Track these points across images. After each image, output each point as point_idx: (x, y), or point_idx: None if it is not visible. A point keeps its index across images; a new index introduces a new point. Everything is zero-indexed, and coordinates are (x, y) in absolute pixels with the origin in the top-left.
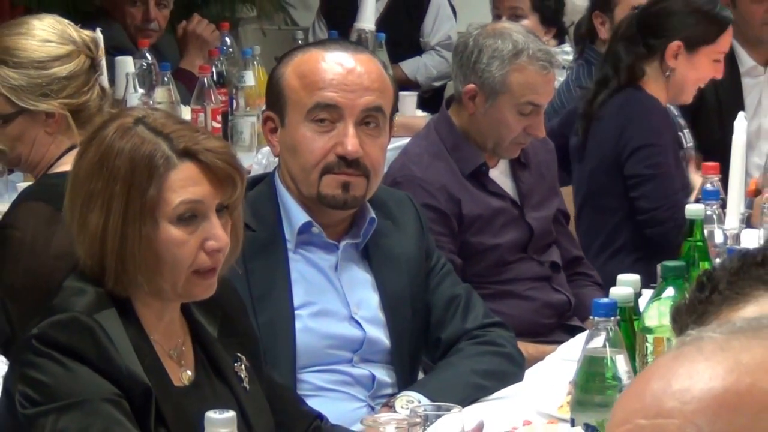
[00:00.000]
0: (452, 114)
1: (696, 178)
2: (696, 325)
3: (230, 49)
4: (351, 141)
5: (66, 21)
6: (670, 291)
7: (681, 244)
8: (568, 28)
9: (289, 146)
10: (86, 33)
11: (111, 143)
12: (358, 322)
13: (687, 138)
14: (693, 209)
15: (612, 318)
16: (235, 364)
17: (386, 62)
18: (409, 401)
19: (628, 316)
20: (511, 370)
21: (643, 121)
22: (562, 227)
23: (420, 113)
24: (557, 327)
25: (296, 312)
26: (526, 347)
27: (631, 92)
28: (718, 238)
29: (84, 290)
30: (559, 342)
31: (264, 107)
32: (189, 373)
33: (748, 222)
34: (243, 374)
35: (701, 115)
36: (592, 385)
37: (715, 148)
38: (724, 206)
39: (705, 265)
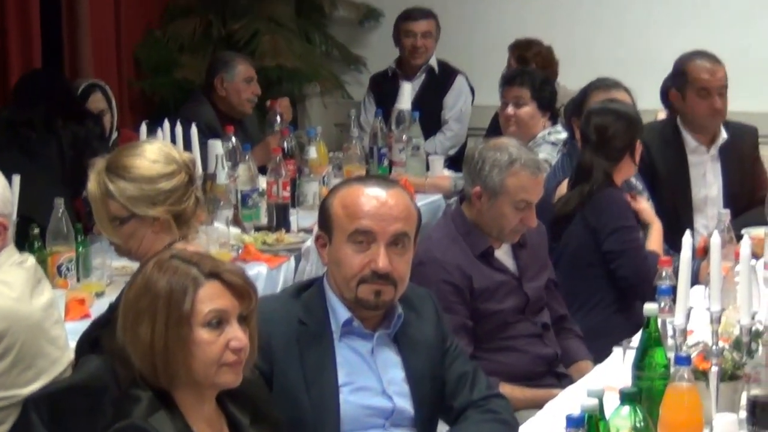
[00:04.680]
0: (464, 208)
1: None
2: None
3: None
4: (382, 260)
5: (171, 144)
6: (625, 410)
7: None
8: (558, 110)
9: (334, 260)
10: (186, 155)
11: (151, 275)
12: (389, 396)
13: (638, 183)
14: (648, 308)
15: (581, 428)
16: None
17: (420, 137)
18: None
19: (595, 420)
20: None
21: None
22: (551, 292)
23: (447, 172)
24: (547, 373)
25: (340, 388)
26: (523, 392)
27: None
28: (669, 329)
29: (139, 398)
30: (549, 386)
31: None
32: None
33: (696, 279)
34: None
35: (655, 184)
36: None
37: (668, 210)
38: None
39: (659, 351)
